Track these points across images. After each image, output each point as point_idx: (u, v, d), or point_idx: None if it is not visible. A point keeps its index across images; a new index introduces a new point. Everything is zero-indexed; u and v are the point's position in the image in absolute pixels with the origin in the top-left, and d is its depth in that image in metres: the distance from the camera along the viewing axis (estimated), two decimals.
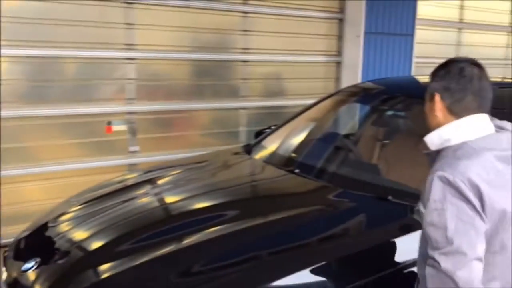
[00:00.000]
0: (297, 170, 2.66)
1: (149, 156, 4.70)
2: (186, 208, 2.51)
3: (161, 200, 2.61)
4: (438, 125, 1.60)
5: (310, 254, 1.90)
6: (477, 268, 1.39)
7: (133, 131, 4.58)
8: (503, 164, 1.51)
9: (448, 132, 1.56)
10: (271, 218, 2.16)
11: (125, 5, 4.38)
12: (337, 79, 5.83)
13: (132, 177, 3.12)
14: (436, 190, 1.44)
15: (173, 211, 2.50)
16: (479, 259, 1.40)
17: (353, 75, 5.78)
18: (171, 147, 4.84)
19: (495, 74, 7.01)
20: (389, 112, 3.26)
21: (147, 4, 4.46)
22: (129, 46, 4.47)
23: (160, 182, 2.88)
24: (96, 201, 2.71)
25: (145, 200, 2.61)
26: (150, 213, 2.44)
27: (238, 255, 1.87)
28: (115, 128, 4.49)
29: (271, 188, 2.64)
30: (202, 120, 5.09)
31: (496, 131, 1.59)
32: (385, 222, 2.15)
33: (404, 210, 2.13)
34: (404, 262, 1.89)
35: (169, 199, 2.63)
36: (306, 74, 5.63)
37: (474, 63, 1.64)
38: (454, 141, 1.55)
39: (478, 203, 1.42)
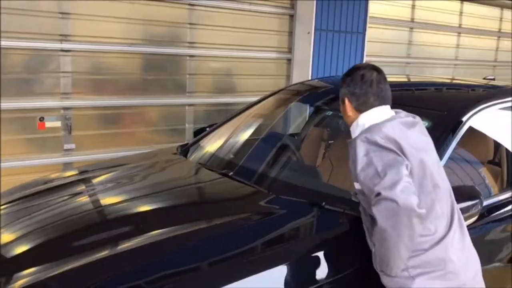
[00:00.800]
0: (231, 174, 2.49)
1: (85, 155, 4.44)
2: (111, 215, 2.32)
3: (86, 204, 2.41)
4: (353, 121, 1.95)
5: (219, 271, 1.74)
6: (411, 189, 1.65)
7: (68, 128, 4.30)
8: (406, 127, 1.87)
9: (362, 120, 1.91)
10: (185, 229, 1.98)
11: None
12: (288, 76, 5.70)
13: (62, 177, 2.89)
14: (360, 149, 1.74)
15: (97, 217, 2.31)
16: (410, 182, 1.66)
17: (304, 72, 5.67)
18: (110, 145, 4.59)
19: (445, 74, 7.10)
20: (333, 113, 3.15)
21: None
22: (65, 37, 4.18)
23: (88, 184, 2.67)
24: (21, 200, 2.51)
25: (70, 203, 2.41)
26: (71, 219, 2.24)
27: (150, 269, 1.70)
28: (49, 124, 4.20)
29: (199, 193, 2.47)
30: (145, 116, 4.85)
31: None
32: (313, 231, 2.02)
33: (335, 218, 2.02)
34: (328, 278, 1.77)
35: (95, 203, 2.42)
36: (257, 70, 5.48)
37: (373, 68, 1.99)
38: (367, 125, 1.87)
39: (398, 150, 1.73)
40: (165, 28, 4.75)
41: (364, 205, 1.83)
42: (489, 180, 2.69)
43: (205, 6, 4.89)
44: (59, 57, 4.20)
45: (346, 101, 1.95)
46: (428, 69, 7.43)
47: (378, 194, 1.64)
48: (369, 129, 1.82)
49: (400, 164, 1.69)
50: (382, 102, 1.94)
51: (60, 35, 4.17)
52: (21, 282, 1.76)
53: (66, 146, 4.34)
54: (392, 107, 2.81)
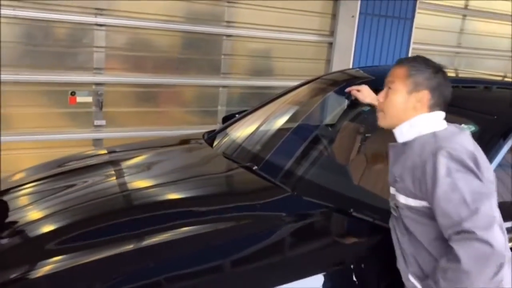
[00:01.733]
0: (255, 168, 2.34)
1: (115, 132, 4.38)
2: (129, 204, 2.23)
3: (103, 190, 2.33)
4: (405, 118, 1.67)
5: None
6: (504, 230, 1.47)
7: (99, 104, 4.24)
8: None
9: (420, 123, 1.65)
10: (188, 232, 1.85)
11: None
12: (328, 61, 5.46)
13: (86, 157, 2.81)
14: (442, 167, 1.49)
15: (116, 205, 2.22)
16: (501, 220, 1.47)
17: (345, 57, 5.41)
18: (141, 123, 4.51)
19: (497, 67, 6.66)
20: (370, 108, 2.92)
21: None
22: (100, 11, 4.09)
23: (111, 168, 2.58)
24: (43, 181, 2.45)
25: (91, 189, 2.33)
26: (92, 204, 2.17)
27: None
28: (80, 99, 4.16)
29: (219, 188, 2.33)
30: (177, 96, 4.74)
31: None
32: (336, 246, 1.85)
33: (365, 228, 1.84)
34: None
35: (113, 190, 2.34)
36: (296, 53, 5.25)
37: (443, 67, 1.75)
38: (424, 132, 1.63)
39: (478, 171, 1.50)
40: (202, 5, 4.58)
41: (409, 223, 1.60)
42: None
43: None
44: (93, 31, 4.12)
45: (426, 94, 1.66)
46: (479, 60, 6.99)
47: (469, 232, 1.41)
48: (443, 140, 1.56)
49: (491, 195, 1.50)
50: (445, 105, 1.71)
51: (96, 8, 4.07)
52: (46, 268, 1.69)
53: (96, 122, 4.30)
54: None
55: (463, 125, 2.25)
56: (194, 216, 2.00)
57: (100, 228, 1.94)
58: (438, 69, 1.69)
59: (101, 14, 4.09)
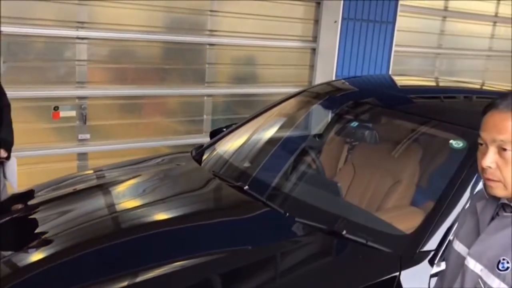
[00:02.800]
0: (245, 187, 2.34)
1: (100, 145, 4.34)
2: (117, 227, 2.21)
3: (94, 215, 2.30)
4: None
5: None
6: None
7: (83, 118, 4.19)
8: None
9: None
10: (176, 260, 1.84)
11: None
12: (312, 67, 5.47)
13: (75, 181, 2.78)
14: None
15: (108, 229, 2.20)
16: None
17: (329, 63, 5.43)
18: (126, 135, 4.47)
19: (477, 66, 6.76)
20: (358, 123, 2.94)
21: None
22: (81, 24, 4.04)
23: (99, 192, 2.55)
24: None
25: (83, 212, 2.31)
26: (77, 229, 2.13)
27: None
28: (63, 113, 4.10)
29: (210, 212, 2.31)
30: (162, 107, 4.72)
31: None
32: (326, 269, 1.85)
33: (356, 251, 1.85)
34: None
35: (104, 212, 2.32)
36: (279, 60, 5.26)
37: None
38: None
39: None
40: (184, 15, 4.56)
41: None
42: None
43: None
44: (75, 45, 4.07)
45: None
46: (459, 60, 7.09)
47: None
48: None
49: None
50: None
51: (77, 22, 4.02)
52: None
53: (80, 136, 4.25)
54: (410, 120, 2.51)
55: (451, 141, 2.30)
56: (187, 241, 2.00)
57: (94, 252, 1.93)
58: None
59: (82, 28, 4.04)
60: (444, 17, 6.59)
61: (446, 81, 4.06)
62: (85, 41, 4.09)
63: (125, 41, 4.28)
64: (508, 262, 1.23)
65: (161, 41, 4.48)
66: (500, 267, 1.24)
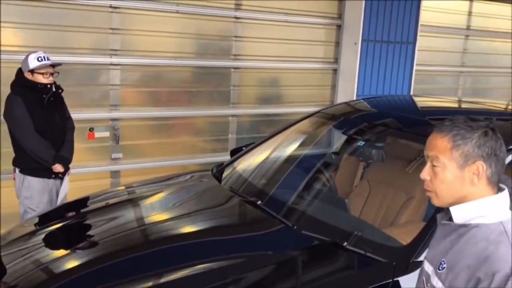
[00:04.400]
0: (259, 203, 2.54)
1: (132, 163, 4.63)
2: (145, 239, 2.45)
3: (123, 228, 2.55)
4: (466, 198, 1.39)
5: None
6: None
7: (116, 138, 4.50)
8: None
9: (486, 209, 1.37)
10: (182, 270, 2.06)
11: (110, 9, 4.26)
12: (333, 87, 5.66)
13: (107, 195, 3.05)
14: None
15: (135, 240, 2.44)
16: None
17: (350, 83, 5.61)
18: (156, 154, 4.76)
19: (503, 83, 6.77)
20: (374, 144, 3.10)
21: (134, 8, 4.34)
22: (114, 52, 4.37)
23: (129, 206, 2.81)
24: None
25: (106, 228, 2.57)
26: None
27: None
28: (98, 134, 4.41)
29: (227, 226, 2.52)
30: (190, 127, 4.98)
31: None
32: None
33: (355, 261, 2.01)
34: None
35: (133, 225, 2.57)
36: (302, 81, 5.48)
37: (490, 123, 1.42)
38: (489, 220, 1.36)
39: None
40: (210, 41, 4.85)
41: None
42: None
43: (250, 19, 4.94)
44: (109, 71, 4.40)
45: (480, 165, 1.36)
46: (484, 78, 7.13)
47: None
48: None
49: None
50: (500, 175, 1.41)
51: (110, 49, 4.36)
52: None
53: (113, 155, 4.55)
54: (419, 141, 2.61)
55: None
56: (204, 251, 2.22)
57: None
58: (486, 130, 1.38)
59: (115, 55, 4.37)
60: (467, 35, 6.68)
61: (466, 103, 4.15)
62: (118, 67, 4.41)
63: (155, 67, 4.59)
64: (445, 263, 1.39)
65: (189, 66, 4.77)
66: (440, 268, 1.41)
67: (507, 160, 2.24)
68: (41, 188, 3.43)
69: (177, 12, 4.53)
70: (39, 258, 2.28)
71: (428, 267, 1.48)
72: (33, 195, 3.40)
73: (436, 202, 1.45)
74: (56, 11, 4.02)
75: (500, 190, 1.40)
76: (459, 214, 1.40)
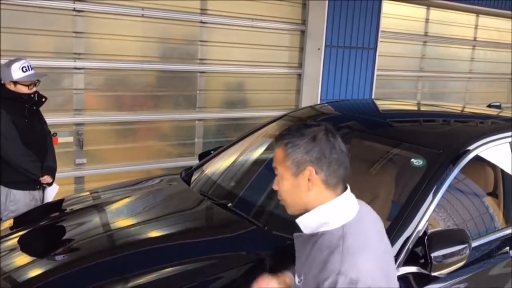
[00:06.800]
0: (230, 205, 2.57)
1: (96, 169, 4.56)
2: (112, 243, 2.43)
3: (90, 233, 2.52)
4: (309, 204, 1.41)
5: None
6: None
7: (80, 143, 4.43)
8: (381, 241, 1.45)
9: (327, 215, 1.39)
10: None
11: (74, 12, 4.21)
12: (298, 91, 5.76)
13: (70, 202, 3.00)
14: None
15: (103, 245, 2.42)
16: None
17: (314, 87, 5.73)
18: (121, 159, 4.70)
19: (459, 87, 7.07)
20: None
21: (98, 12, 4.30)
22: (78, 56, 4.31)
23: (95, 212, 2.77)
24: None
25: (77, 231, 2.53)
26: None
27: None
28: (62, 139, 4.32)
29: (196, 228, 2.53)
30: (156, 131, 4.96)
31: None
32: None
33: None
34: None
35: (100, 231, 2.54)
36: (267, 85, 5.55)
37: (328, 129, 1.44)
38: (333, 225, 1.38)
39: None
40: (176, 45, 4.85)
41: None
42: (483, 219, 2.71)
43: (216, 24, 4.97)
44: (73, 75, 4.33)
45: (310, 171, 1.38)
46: (441, 82, 7.41)
47: None
48: (348, 255, 1.30)
49: None
50: (345, 176, 1.42)
51: (74, 53, 4.29)
52: None
53: (77, 161, 4.48)
54: (382, 142, 2.77)
55: (412, 159, 2.55)
56: (175, 254, 2.22)
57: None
58: (315, 134, 1.40)
59: (79, 59, 4.30)
60: (425, 41, 6.93)
61: (424, 105, 4.31)
62: (82, 71, 4.35)
63: (120, 71, 4.54)
64: (302, 275, 1.42)
65: (154, 70, 4.75)
66: (300, 279, 1.44)
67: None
68: (27, 201, 3.32)
69: (142, 16, 4.52)
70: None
71: (296, 279, 1.50)
72: (19, 208, 3.25)
73: (289, 211, 1.48)
74: (17, 13, 3.93)
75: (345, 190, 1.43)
76: (304, 225, 1.44)
